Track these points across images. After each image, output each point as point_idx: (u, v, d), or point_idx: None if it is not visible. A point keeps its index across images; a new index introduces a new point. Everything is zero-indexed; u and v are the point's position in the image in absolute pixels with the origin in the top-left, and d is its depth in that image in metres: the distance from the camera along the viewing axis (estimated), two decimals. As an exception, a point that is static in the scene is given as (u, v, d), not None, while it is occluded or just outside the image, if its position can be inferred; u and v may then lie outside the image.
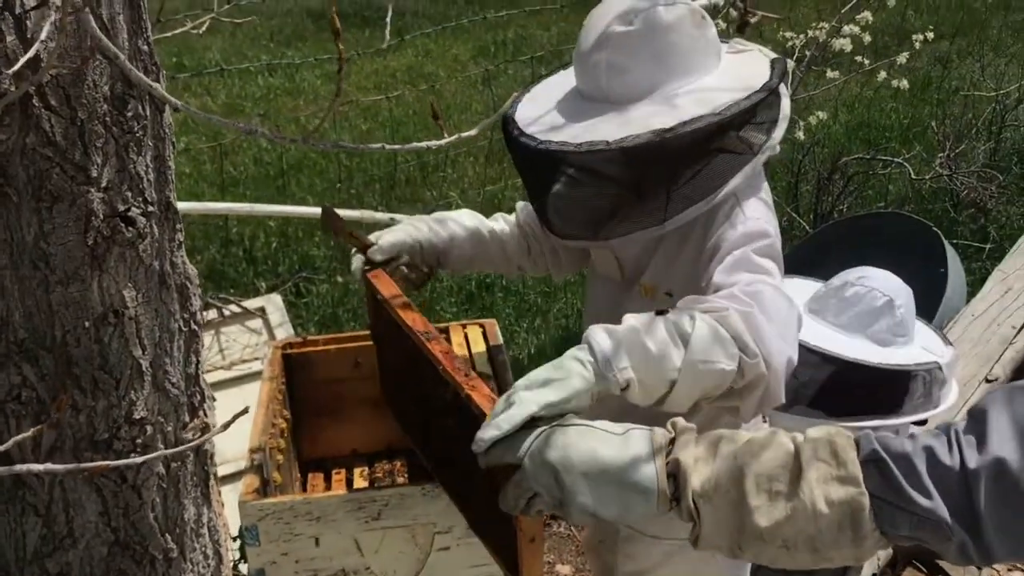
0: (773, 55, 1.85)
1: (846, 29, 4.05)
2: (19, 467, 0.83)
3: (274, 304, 3.93)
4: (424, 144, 1.05)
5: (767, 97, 1.72)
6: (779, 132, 1.77)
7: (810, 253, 4.03)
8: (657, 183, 1.70)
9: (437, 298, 4.70)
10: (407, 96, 6.94)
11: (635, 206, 1.74)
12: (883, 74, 4.65)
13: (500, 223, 2.19)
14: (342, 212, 2.26)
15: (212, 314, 3.84)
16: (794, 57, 4.13)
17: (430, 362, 1.69)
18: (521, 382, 1.38)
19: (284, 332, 3.83)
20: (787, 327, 1.59)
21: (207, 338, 3.78)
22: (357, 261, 2.04)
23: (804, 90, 4.69)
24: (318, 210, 2.09)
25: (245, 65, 7.38)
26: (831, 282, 2.79)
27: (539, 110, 1.84)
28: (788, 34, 4.24)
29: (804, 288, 2.93)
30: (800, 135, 4.42)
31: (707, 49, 1.79)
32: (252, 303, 3.94)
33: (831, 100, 6.23)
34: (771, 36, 4.59)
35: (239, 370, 3.59)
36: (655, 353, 1.45)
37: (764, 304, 1.56)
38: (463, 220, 2.14)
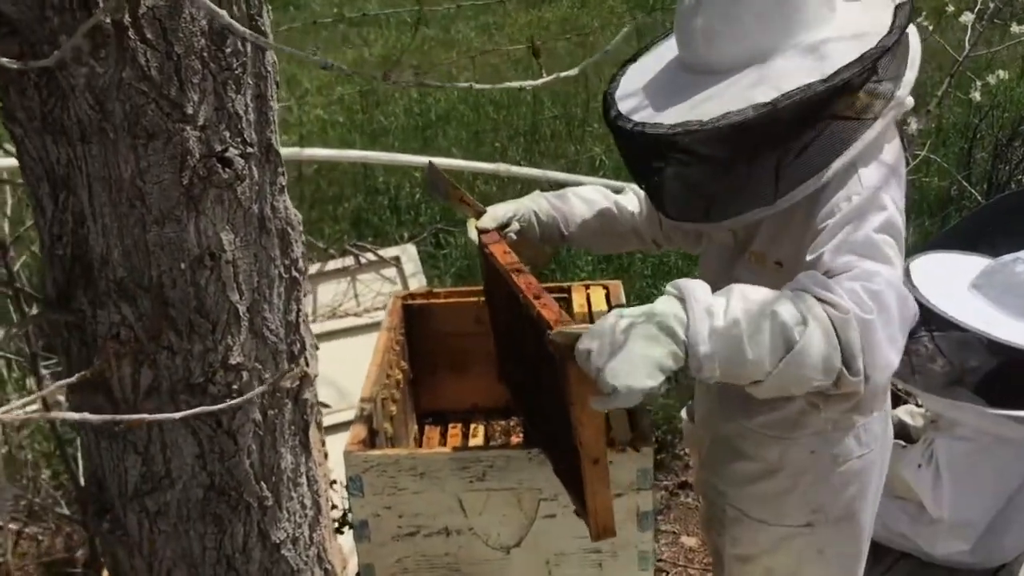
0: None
1: (1036, -22, 3.66)
2: (74, 415, 0.79)
3: (409, 254, 3.92)
4: (517, 84, 0.95)
5: (884, 55, 1.53)
6: (904, 90, 1.59)
7: (981, 225, 3.70)
8: (763, 161, 1.56)
9: (574, 256, 4.60)
10: (558, 48, 6.80)
11: (742, 186, 1.61)
12: (1078, 29, 4.19)
13: (631, 197, 2.08)
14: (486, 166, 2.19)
15: (349, 260, 3.88)
16: (975, 9, 3.77)
17: (520, 303, 1.65)
18: (623, 357, 1.38)
19: (417, 282, 3.83)
20: (899, 332, 1.48)
21: (343, 284, 3.82)
22: (471, 226, 2.00)
23: (985, 46, 4.29)
24: (455, 161, 2.03)
25: (392, 10, 7.36)
26: (1001, 259, 2.56)
27: (638, 85, 1.74)
28: (970, -17, 3.88)
29: (971, 264, 2.70)
30: (977, 96, 4.04)
31: (815, 2, 1.61)
32: (388, 252, 3.94)
33: (1017, 59, 5.71)
34: (950, -13, 4.20)
35: (370, 317, 3.61)
36: (751, 358, 1.40)
37: (883, 307, 1.45)
38: (587, 194, 2.07)
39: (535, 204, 2.03)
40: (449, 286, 4.49)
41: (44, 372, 2.33)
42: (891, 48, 1.55)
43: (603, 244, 2.12)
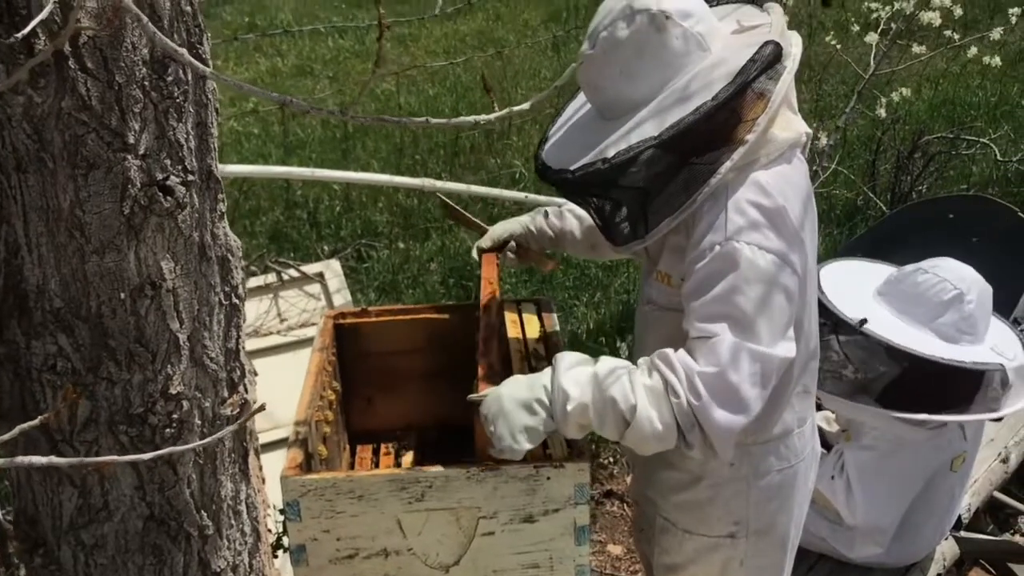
0: (777, 34, 1.71)
1: (936, 1, 3.84)
2: (19, 459, 0.78)
3: (332, 270, 3.90)
4: (471, 118, 0.97)
5: (725, 103, 1.62)
6: (758, 130, 1.66)
7: (886, 234, 3.87)
8: (630, 201, 1.76)
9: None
10: (475, 61, 6.84)
11: (626, 220, 1.79)
12: (974, 49, 4.41)
13: None
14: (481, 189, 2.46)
15: (272, 278, 3.83)
16: (879, 30, 3.93)
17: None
18: (504, 423, 1.73)
19: (342, 298, 3.80)
20: (748, 392, 1.66)
21: (266, 302, 3.77)
22: (475, 247, 2.28)
23: (888, 64, 4.48)
24: (379, 176, 2.25)
25: (313, 26, 7.35)
26: (904, 269, 2.67)
27: (566, 119, 1.93)
28: (873, 5, 4.04)
29: (876, 272, 2.81)
30: (881, 111, 4.23)
31: (682, 49, 1.70)
32: (311, 268, 3.91)
33: (915, 76, 5.97)
34: (855, 7, 4.38)
35: (295, 335, 3.57)
36: (598, 428, 1.72)
37: (719, 385, 1.64)
38: (580, 211, 2.21)
39: (533, 223, 2.26)
40: (372, 300, 4.48)
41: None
42: (725, 103, 1.62)
43: (596, 254, 2.30)
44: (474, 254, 2.30)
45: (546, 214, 2.27)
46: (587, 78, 1.79)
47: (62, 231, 1.27)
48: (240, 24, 8.65)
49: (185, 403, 1.42)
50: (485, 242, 2.26)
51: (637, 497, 2.14)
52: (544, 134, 1.93)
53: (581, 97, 1.93)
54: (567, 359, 1.77)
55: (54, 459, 0.81)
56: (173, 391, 1.40)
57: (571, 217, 2.24)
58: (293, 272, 3.83)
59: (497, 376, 1.84)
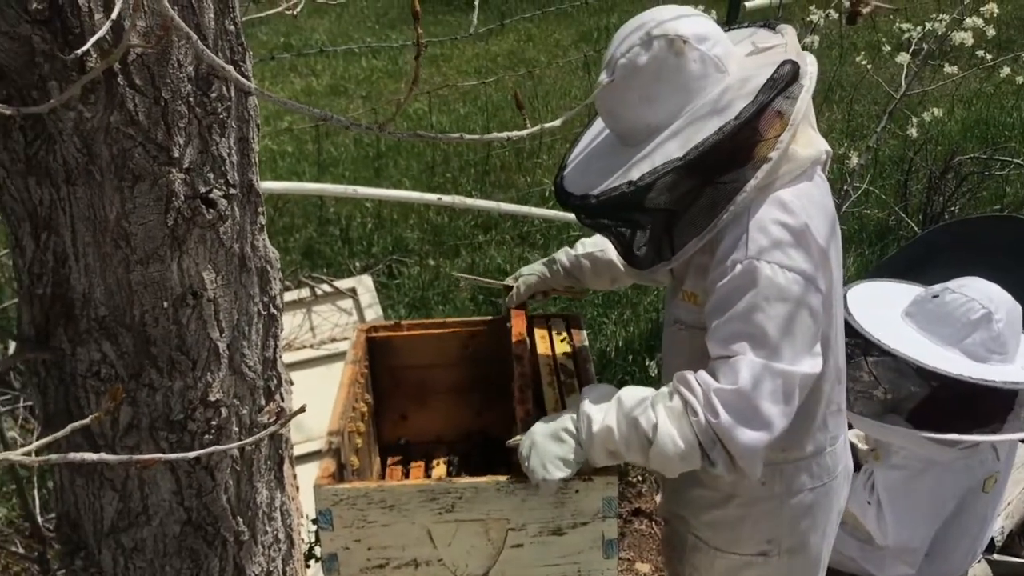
0: (792, 53, 1.74)
1: (968, 21, 3.83)
2: (72, 456, 0.82)
3: (365, 285, 3.94)
4: (504, 135, 1.00)
5: (748, 121, 1.64)
6: (781, 147, 1.68)
7: (917, 255, 3.85)
8: (655, 224, 1.77)
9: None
10: (506, 81, 6.90)
11: (650, 243, 1.80)
12: (1007, 69, 4.39)
13: None
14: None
15: (305, 292, 3.88)
16: (910, 51, 3.93)
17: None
18: (536, 456, 1.78)
19: (374, 313, 3.85)
20: (770, 410, 1.66)
21: (299, 316, 3.82)
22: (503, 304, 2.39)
23: (919, 84, 4.47)
24: (412, 194, 2.30)
25: (347, 46, 7.45)
26: (931, 288, 2.67)
27: (586, 144, 1.96)
28: (905, 26, 4.04)
29: (903, 292, 2.81)
30: (913, 131, 4.21)
31: (700, 72, 1.73)
32: (344, 283, 3.96)
33: (947, 96, 5.94)
34: (886, 28, 4.38)
35: (328, 349, 3.61)
36: (623, 452, 1.74)
37: (739, 403, 1.65)
38: (602, 244, 2.25)
39: (549, 269, 2.31)
40: (403, 316, 4.52)
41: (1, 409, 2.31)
42: (749, 120, 1.64)
43: (617, 285, 2.33)
44: (503, 311, 2.40)
45: (565, 254, 2.32)
46: (606, 105, 1.82)
47: (108, 241, 1.31)
48: (276, 44, 8.79)
49: (224, 410, 1.46)
50: (511, 302, 2.34)
51: (667, 515, 2.15)
52: (562, 161, 1.96)
53: (597, 125, 1.96)
54: (594, 391, 1.82)
55: (104, 456, 0.84)
56: (212, 398, 1.44)
57: (585, 254, 2.27)
58: (326, 287, 3.88)
59: (533, 421, 1.88)
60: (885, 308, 2.73)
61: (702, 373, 1.71)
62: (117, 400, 1.30)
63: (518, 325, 2.30)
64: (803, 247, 1.69)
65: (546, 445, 1.77)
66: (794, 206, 1.70)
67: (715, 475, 1.79)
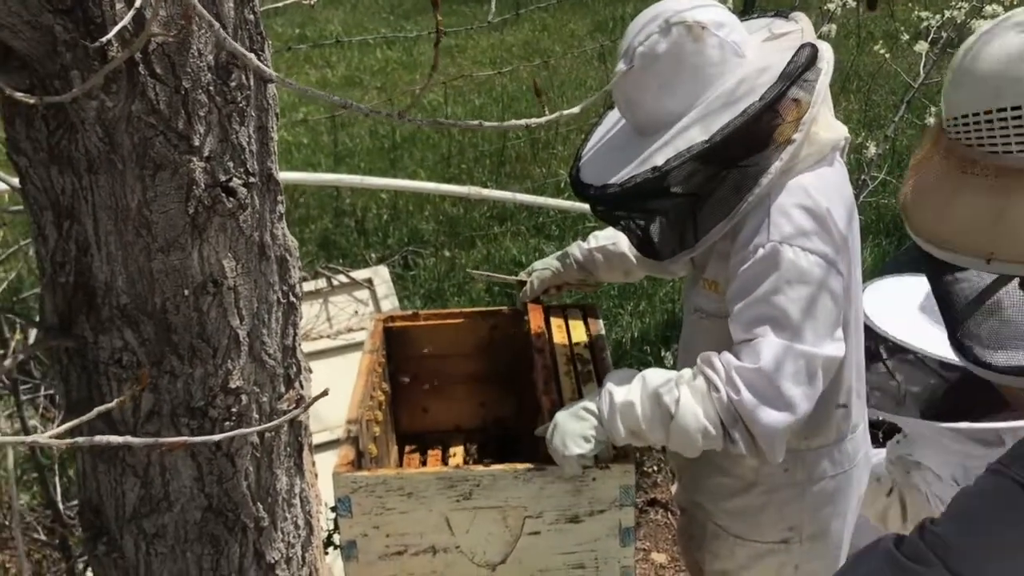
0: (808, 38, 1.75)
1: (988, 9, 3.80)
2: (98, 438, 0.83)
3: (381, 276, 3.96)
4: (523, 122, 1.00)
5: (771, 104, 1.65)
6: (804, 129, 1.69)
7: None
8: (678, 211, 1.76)
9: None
10: (521, 71, 6.90)
11: (672, 231, 1.80)
12: (1026, 57, 4.34)
13: None
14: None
15: (321, 283, 3.90)
16: (928, 39, 3.90)
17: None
18: (558, 435, 1.81)
19: (390, 304, 3.86)
20: (791, 390, 1.66)
21: (316, 306, 3.84)
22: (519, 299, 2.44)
23: (938, 73, 4.44)
24: (427, 184, 2.34)
25: (362, 37, 7.47)
26: None
27: (600, 137, 1.97)
28: (923, 14, 4.01)
29: (917, 286, 2.79)
30: (931, 121, 4.18)
31: (719, 58, 1.74)
32: (360, 274, 3.97)
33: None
34: (904, 16, 4.35)
35: (344, 339, 3.63)
36: (644, 429, 1.74)
37: (760, 381, 1.65)
38: (614, 237, 2.25)
39: (563, 263, 2.33)
40: (419, 307, 4.53)
41: (23, 397, 2.33)
42: (772, 102, 1.65)
43: (630, 278, 2.35)
44: (519, 305, 2.43)
45: (577, 248, 2.33)
46: (625, 94, 1.82)
47: (130, 230, 1.32)
48: (291, 35, 8.81)
49: (244, 397, 1.47)
50: (525, 296, 2.38)
51: (685, 504, 2.15)
52: (577, 153, 1.97)
53: (611, 117, 1.97)
54: (617, 374, 1.84)
55: (130, 439, 0.86)
56: (233, 385, 1.45)
57: (598, 247, 2.28)
58: (343, 278, 3.89)
59: (556, 410, 1.91)
60: (899, 304, 2.72)
61: (725, 354, 1.72)
62: (143, 384, 1.31)
63: (535, 319, 2.34)
64: (825, 231, 1.70)
65: (566, 424, 1.80)
66: (815, 191, 1.71)
67: (739, 461, 1.80)
